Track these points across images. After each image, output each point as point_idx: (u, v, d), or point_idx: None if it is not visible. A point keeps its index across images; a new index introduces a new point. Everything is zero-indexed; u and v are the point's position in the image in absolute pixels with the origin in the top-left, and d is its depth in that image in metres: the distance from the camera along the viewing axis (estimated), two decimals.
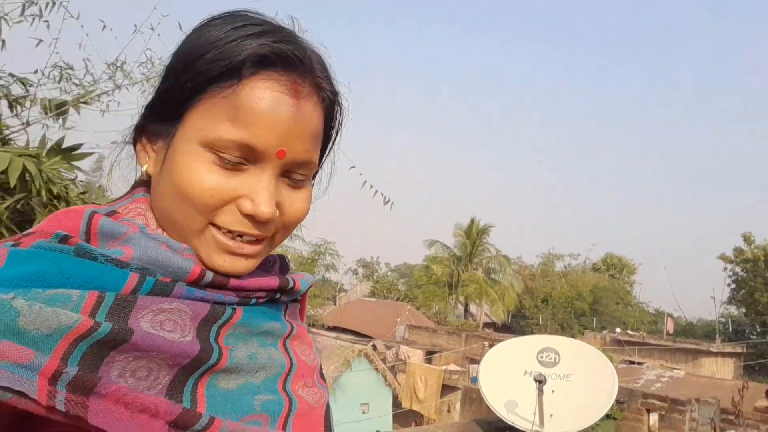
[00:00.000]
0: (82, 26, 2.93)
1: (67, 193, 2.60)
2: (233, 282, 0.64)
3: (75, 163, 2.75)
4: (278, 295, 0.72)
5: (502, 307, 35.13)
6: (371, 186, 3.87)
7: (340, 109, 0.73)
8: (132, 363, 0.54)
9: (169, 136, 0.65)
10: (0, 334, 0.47)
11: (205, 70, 0.61)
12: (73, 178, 2.71)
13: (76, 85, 3.27)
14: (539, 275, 41.94)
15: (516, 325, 38.73)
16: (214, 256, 0.63)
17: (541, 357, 4.94)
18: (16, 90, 3.24)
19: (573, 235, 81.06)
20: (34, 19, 2.67)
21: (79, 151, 2.72)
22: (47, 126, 3.27)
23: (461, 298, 36.63)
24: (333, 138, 0.75)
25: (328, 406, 0.75)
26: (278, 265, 0.78)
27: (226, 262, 0.64)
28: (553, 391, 4.65)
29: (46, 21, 2.71)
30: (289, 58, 0.63)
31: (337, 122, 0.74)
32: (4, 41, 2.76)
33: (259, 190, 0.62)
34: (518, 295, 36.33)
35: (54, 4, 2.62)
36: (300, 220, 0.69)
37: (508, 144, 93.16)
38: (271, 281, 0.70)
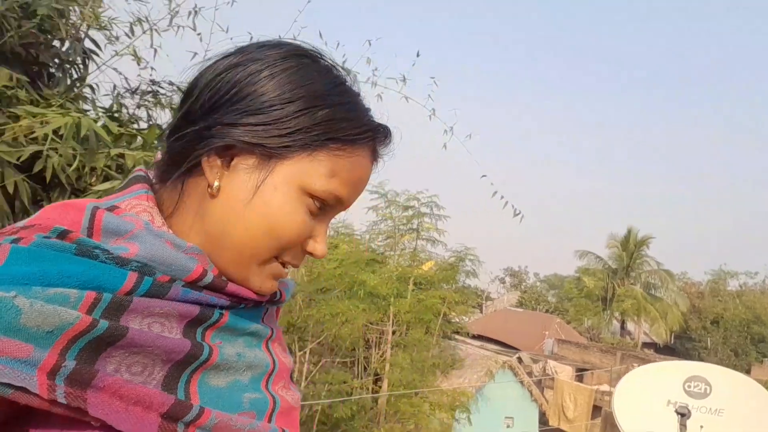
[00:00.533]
0: (231, 39, 3.12)
1: None
2: (231, 287, 0.66)
3: None
4: (263, 303, 0.75)
5: (664, 326, 32.39)
6: (501, 197, 3.76)
7: None
8: (128, 358, 0.55)
9: (262, 169, 0.65)
10: (1, 332, 0.48)
11: (334, 131, 0.66)
12: None
13: None
14: (708, 294, 38.11)
15: (681, 347, 35.45)
16: (267, 281, 0.69)
17: (689, 386, 4.33)
18: (177, 99, 3.56)
19: (749, 251, 72.39)
20: (178, 28, 2.89)
21: None
22: None
23: (616, 314, 34.37)
24: None
25: None
26: None
27: (273, 286, 0.70)
28: (701, 427, 4.07)
29: (198, 34, 2.93)
30: (387, 139, 0.73)
31: None
32: (156, 50, 3.02)
33: (323, 233, 0.70)
34: (683, 314, 33.28)
35: (196, 12, 2.82)
36: None
37: (667, 148, 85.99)
38: None
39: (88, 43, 3.07)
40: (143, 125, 3.44)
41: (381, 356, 11.79)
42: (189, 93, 0.68)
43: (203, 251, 0.65)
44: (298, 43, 0.70)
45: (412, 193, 12.46)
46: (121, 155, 2.26)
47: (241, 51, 0.68)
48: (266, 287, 0.69)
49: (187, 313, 0.62)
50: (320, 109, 0.65)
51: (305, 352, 9.38)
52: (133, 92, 3.37)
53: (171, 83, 3.46)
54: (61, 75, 2.64)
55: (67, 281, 0.53)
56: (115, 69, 3.30)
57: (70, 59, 2.90)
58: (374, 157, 0.72)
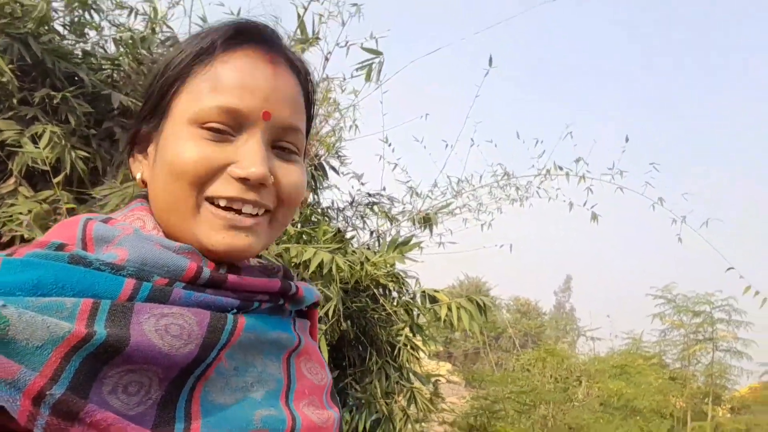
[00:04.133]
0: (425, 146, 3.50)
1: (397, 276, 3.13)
2: (232, 279, 0.63)
3: (410, 254, 3.26)
4: (281, 302, 0.71)
5: None
6: None
7: (312, 86, 0.75)
8: (124, 378, 0.52)
9: (158, 131, 0.68)
10: None
11: (183, 59, 0.67)
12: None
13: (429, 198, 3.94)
14: None
15: None
16: (213, 234, 0.63)
17: None
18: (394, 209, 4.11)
19: None
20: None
21: (410, 244, 3.26)
22: (416, 236, 4.00)
23: None
24: (312, 115, 0.77)
25: (340, 429, 0.72)
26: (282, 273, 0.75)
27: (225, 239, 0.63)
28: None
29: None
30: (258, 33, 0.69)
31: (312, 99, 0.76)
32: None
33: (248, 153, 0.63)
34: None
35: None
36: (299, 194, 0.70)
37: None
38: (273, 283, 0.68)
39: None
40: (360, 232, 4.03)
41: None
42: None
43: (193, 248, 0.63)
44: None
45: (702, 294, 10.85)
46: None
47: None
48: (220, 241, 0.63)
49: (201, 317, 0.58)
50: (167, 59, 0.69)
51: None
52: (351, 204, 4.00)
53: (381, 194, 4.02)
54: None
55: (62, 290, 0.52)
56: (336, 186, 3.99)
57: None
58: (256, 52, 0.67)
